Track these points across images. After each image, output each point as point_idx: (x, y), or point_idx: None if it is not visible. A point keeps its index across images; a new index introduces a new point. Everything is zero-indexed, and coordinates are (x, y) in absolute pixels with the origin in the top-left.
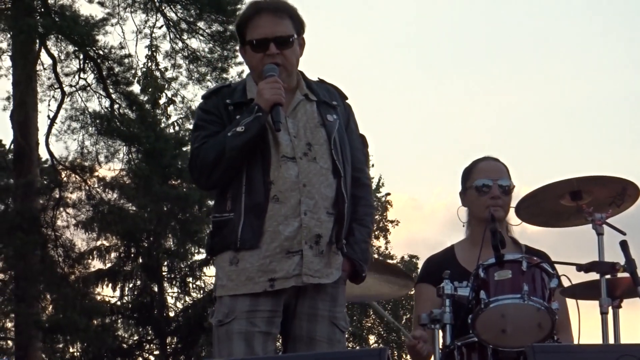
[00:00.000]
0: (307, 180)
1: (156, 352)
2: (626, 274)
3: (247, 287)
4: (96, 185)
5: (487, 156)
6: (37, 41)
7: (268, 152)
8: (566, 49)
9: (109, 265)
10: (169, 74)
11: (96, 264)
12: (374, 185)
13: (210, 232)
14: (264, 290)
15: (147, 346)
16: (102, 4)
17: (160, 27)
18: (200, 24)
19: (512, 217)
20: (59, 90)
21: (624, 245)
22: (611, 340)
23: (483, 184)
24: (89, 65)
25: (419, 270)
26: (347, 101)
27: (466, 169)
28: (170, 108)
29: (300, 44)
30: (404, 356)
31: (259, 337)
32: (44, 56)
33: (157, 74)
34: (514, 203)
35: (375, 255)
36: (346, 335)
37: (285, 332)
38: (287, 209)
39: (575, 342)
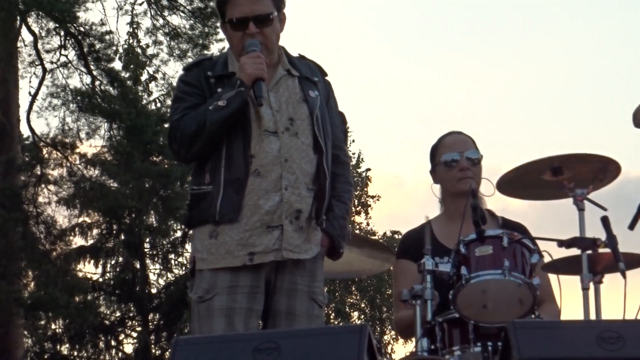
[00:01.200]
0: (289, 155)
1: (138, 329)
2: (607, 250)
3: (226, 260)
4: (77, 162)
5: (452, 131)
6: (18, 18)
7: (249, 126)
8: (546, 24)
9: (90, 242)
10: (150, 51)
11: (78, 241)
12: (354, 161)
13: (188, 205)
14: (243, 264)
15: (129, 323)
16: None
17: (141, 4)
18: (181, 1)
19: (485, 189)
20: (39, 67)
21: (605, 220)
22: (592, 316)
23: (451, 159)
24: (70, 42)
25: None
26: (326, 78)
27: (433, 147)
28: (152, 85)
29: (280, 20)
30: (386, 332)
31: (240, 313)
32: (24, 33)
33: (139, 50)
34: (490, 177)
35: (357, 231)
36: (329, 312)
37: (265, 307)
38: (267, 183)
39: (560, 311)
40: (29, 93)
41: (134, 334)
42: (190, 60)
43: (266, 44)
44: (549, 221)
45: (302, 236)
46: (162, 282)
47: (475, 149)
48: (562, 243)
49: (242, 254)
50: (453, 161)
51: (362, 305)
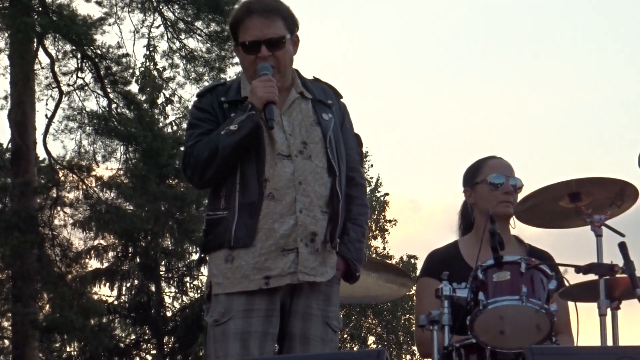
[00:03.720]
0: (303, 178)
1: (153, 352)
2: (625, 276)
3: (242, 284)
4: (93, 185)
5: (494, 155)
6: (35, 40)
7: (263, 150)
8: (566, 49)
9: (106, 264)
10: (166, 74)
11: (93, 264)
12: (372, 185)
13: (204, 230)
14: (259, 288)
15: (144, 346)
16: (99, 4)
17: (157, 27)
18: (198, 24)
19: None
20: (56, 89)
21: (622, 246)
22: (610, 342)
23: (497, 180)
24: (87, 65)
25: (418, 270)
26: (342, 100)
27: (474, 166)
28: (168, 108)
29: (293, 42)
30: (403, 356)
31: (255, 337)
32: (41, 55)
33: (155, 73)
34: None
35: (374, 256)
36: (345, 336)
37: (280, 330)
38: (282, 207)
39: (575, 343)
40: (46, 115)
41: (149, 357)
42: (206, 83)
43: (278, 67)
44: (565, 247)
45: (317, 259)
46: (177, 305)
47: (515, 175)
48: (579, 269)
49: (257, 278)
50: (500, 183)
51: (379, 330)
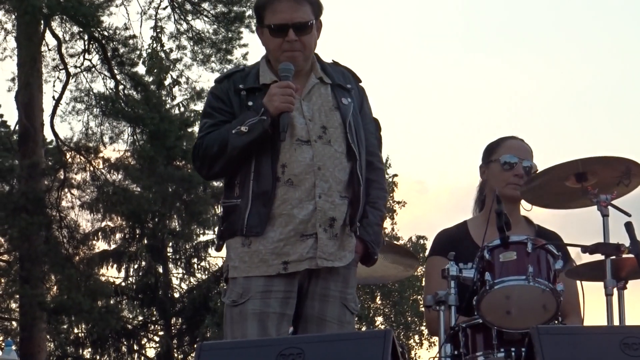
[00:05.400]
0: (322, 164)
1: (161, 333)
2: (631, 256)
3: (260, 269)
4: (101, 166)
5: (515, 136)
6: (42, 22)
7: (279, 139)
8: (573, 32)
9: (113, 246)
10: (173, 55)
11: (101, 245)
12: None
13: (221, 217)
14: (277, 273)
15: (152, 327)
16: None
17: (164, 8)
18: (205, 5)
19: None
20: (63, 71)
21: (629, 226)
22: (616, 322)
23: (509, 160)
24: (94, 46)
25: (427, 251)
26: (360, 84)
27: (492, 144)
28: (175, 89)
29: (317, 27)
30: (411, 335)
31: (273, 318)
32: (48, 37)
33: (162, 55)
34: None
35: None
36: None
37: (296, 311)
38: (301, 192)
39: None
40: (53, 97)
41: (157, 338)
42: (213, 64)
43: (304, 51)
44: (572, 227)
45: (336, 244)
46: (184, 286)
47: (532, 159)
48: (586, 249)
49: (276, 263)
50: (510, 163)
51: (386, 310)
